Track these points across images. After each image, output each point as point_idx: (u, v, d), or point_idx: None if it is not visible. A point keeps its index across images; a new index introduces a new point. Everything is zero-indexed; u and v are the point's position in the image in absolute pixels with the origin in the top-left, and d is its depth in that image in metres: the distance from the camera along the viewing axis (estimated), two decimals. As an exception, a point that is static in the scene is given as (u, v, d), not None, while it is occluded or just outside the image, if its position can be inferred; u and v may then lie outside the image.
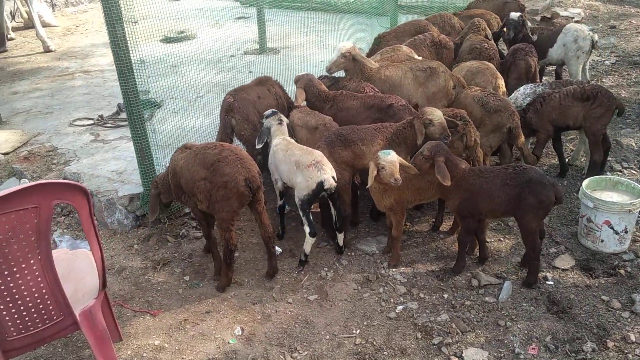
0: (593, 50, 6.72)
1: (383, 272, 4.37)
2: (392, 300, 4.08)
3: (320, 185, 4.10)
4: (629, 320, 3.78)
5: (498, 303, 3.99)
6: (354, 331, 3.81)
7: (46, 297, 2.87)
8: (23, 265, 2.73)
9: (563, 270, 4.30)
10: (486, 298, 4.04)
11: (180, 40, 9.19)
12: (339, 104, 5.01)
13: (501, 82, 5.59)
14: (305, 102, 5.24)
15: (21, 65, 9.39)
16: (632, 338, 3.61)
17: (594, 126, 5.12)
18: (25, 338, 2.91)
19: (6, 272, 2.70)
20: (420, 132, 4.33)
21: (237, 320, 3.95)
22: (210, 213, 4.15)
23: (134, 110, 4.56)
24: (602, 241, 4.43)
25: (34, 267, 2.77)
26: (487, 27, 6.62)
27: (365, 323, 3.88)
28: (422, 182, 4.22)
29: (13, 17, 11.70)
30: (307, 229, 4.27)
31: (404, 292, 4.15)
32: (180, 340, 3.79)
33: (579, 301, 3.98)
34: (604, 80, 8.03)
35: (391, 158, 3.96)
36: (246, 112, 5.05)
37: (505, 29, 6.87)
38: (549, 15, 9.69)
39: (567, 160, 5.76)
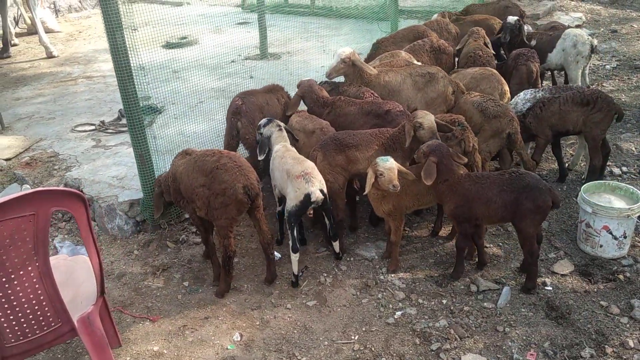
0: (593, 55, 6.72)
1: (382, 277, 4.38)
2: (390, 305, 4.08)
3: (307, 197, 4.03)
4: (628, 325, 3.78)
5: (497, 309, 3.99)
6: (353, 337, 3.81)
7: (44, 303, 2.89)
8: (21, 273, 2.75)
9: (562, 275, 4.30)
10: (485, 304, 4.04)
11: (182, 46, 9.23)
12: (337, 110, 5.03)
13: (507, 87, 5.60)
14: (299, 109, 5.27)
15: (24, 71, 9.46)
16: (631, 344, 3.60)
17: (593, 131, 5.13)
18: (23, 344, 2.92)
19: (4, 279, 2.72)
20: (409, 134, 4.32)
21: (236, 326, 3.96)
22: (208, 219, 4.16)
23: (134, 117, 4.59)
24: (601, 246, 4.43)
25: (32, 274, 2.79)
26: (485, 35, 6.62)
27: (363, 329, 3.88)
28: (421, 188, 4.22)
29: (17, 23, 11.78)
30: (290, 244, 4.18)
31: (403, 297, 4.16)
32: (179, 346, 3.81)
33: (577, 307, 3.97)
34: (604, 84, 8.03)
35: (389, 165, 3.97)
36: (253, 116, 5.08)
37: (502, 33, 6.89)
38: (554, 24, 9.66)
39: (566, 165, 5.76)
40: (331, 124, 4.90)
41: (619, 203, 4.49)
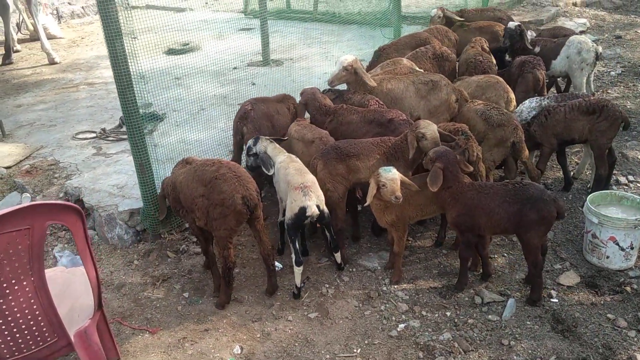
0: (597, 62, 6.65)
1: (384, 288, 4.31)
2: (393, 318, 4.02)
3: (303, 210, 3.97)
4: (636, 339, 3.70)
5: (502, 321, 3.92)
6: (355, 350, 3.75)
7: (39, 318, 2.84)
8: (16, 287, 2.70)
9: (568, 287, 4.23)
10: (489, 316, 3.97)
11: (184, 52, 9.21)
12: (339, 118, 4.98)
13: (512, 95, 5.53)
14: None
15: (26, 77, 9.44)
16: (639, 358, 3.53)
17: (599, 140, 5.06)
18: (18, 360, 2.88)
19: (-1, 294, 2.68)
20: (412, 145, 4.26)
21: (237, 338, 3.90)
22: (208, 230, 4.11)
23: (134, 125, 4.55)
24: (607, 257, 4.36)
25: (27, 289, 2.74)
26: (485, 43, 6.57)
27: (366, 342, 3.82)
28: (423, 198, 4.17)
29: (19, 29, 11.77)
30: (292, 257, 4.13)
31: (406, 309, 4.09)
32: (179, 359, 3.75)
33: (584, 319, 3.90)
34: (609, 91, 7.95)
35: (392, 175, 3.91)
36: (259, 123, 5.04)
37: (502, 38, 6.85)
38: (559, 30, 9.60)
39: (572, 174, 5.68)
40: (333, 132, 4.85)
41: (625, 213, 4.42)
